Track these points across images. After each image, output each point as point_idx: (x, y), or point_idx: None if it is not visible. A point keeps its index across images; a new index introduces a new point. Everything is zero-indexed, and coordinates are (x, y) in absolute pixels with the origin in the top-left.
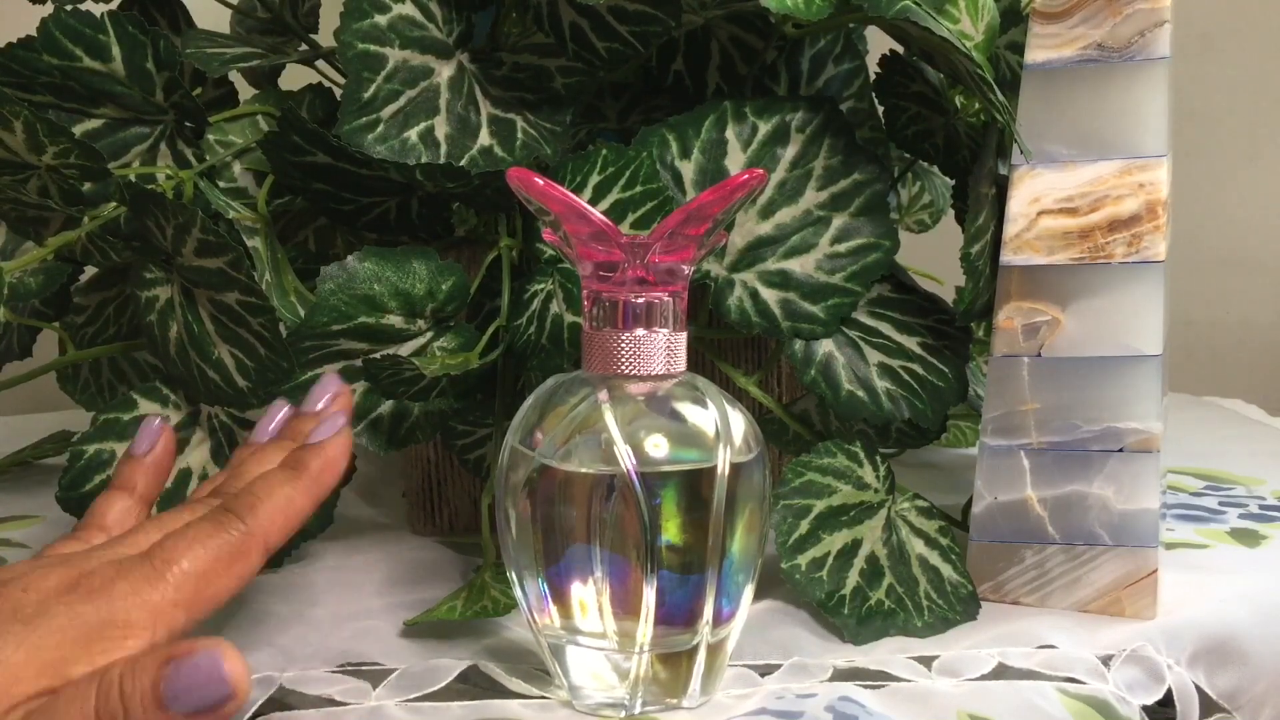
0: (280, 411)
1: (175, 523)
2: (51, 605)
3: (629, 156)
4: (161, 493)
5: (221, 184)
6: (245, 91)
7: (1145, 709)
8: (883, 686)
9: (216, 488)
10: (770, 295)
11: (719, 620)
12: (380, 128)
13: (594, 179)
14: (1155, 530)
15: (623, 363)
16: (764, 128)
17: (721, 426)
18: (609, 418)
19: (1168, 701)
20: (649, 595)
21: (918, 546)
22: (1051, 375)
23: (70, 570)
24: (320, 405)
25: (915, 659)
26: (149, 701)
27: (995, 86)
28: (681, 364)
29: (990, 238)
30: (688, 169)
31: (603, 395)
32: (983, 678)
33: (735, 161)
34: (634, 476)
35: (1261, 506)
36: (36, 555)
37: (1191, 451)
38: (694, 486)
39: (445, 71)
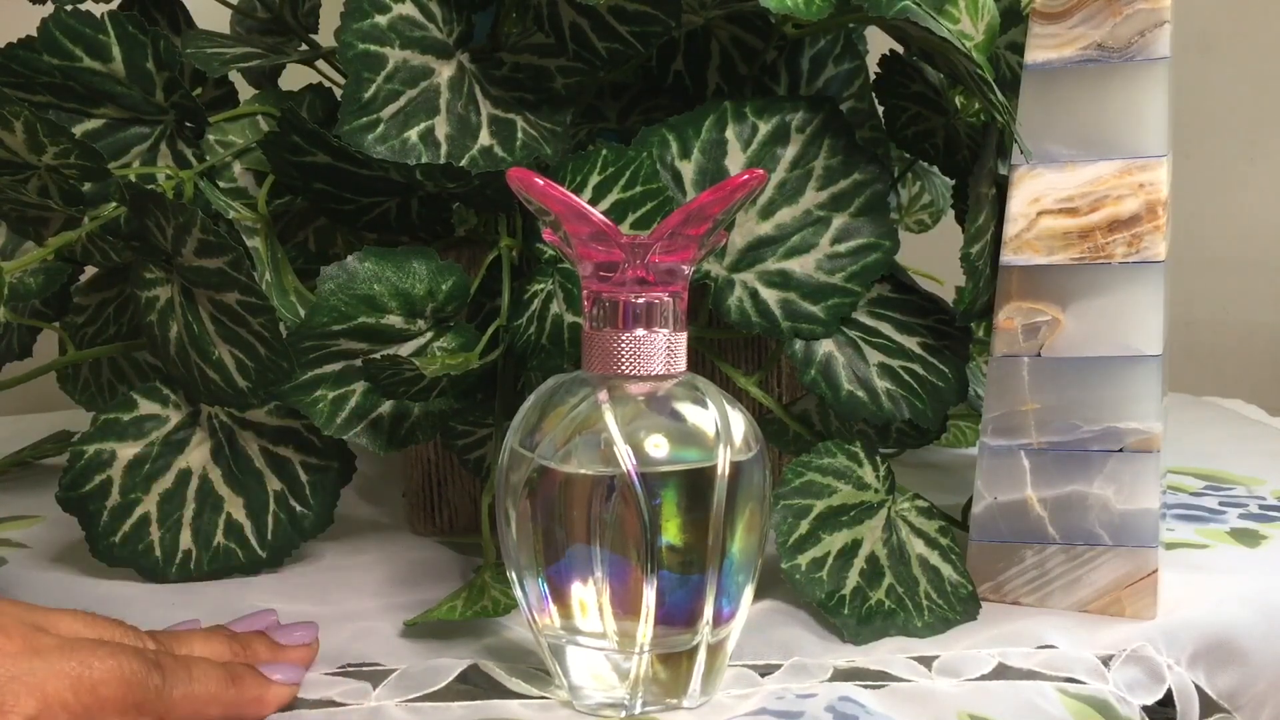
0: (263, 618)
1: (113, 633)
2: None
3: (629, 156)
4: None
5: (221, 184)
6: (245, 91)
7: (1145, 709)
8: (883, 686)
9: (157, 635)
10: (770, 295)
11: (719, 620)
12: (380, 128)
13: (594, 179)
14: (1155, 530)
15: (623, 363)
16: (764, 128)
17: (721, 426)
18: (609, 418)
19: (1168, 701)
20: (649, 595)
21: (918, 546)
22: (1051, 375)
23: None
24: (289, 640)
25: (915, 659)
26: None
27: (995, 86)
28: (681, 364)
29: (990, 238)
30: (688, 169)
31: (603, 395)
32: (983, 678)
33: (735, 161)
34: (634, 477)
35: (1261, 506)
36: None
37: (1191, 451)
38: (694, 486)
39: (445, 71)
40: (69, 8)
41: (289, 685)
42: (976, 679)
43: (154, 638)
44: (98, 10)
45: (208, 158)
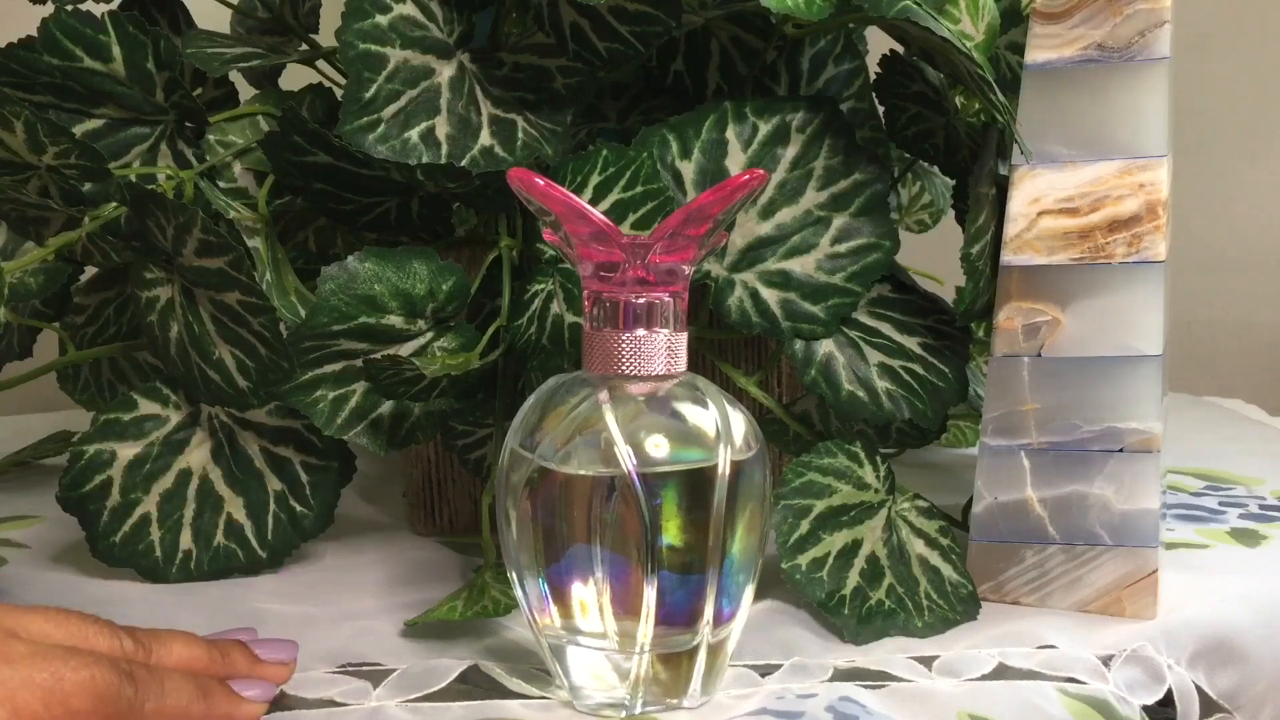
0: (244, 632)
1: (87, 633)
2: None
3: (629, 157)
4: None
5: (221, 184)
6: (245, 91)
7: (1145, 709)
8: (883, 686)
9: (136, 633)
10: (770, 295)
11: (719, 620)
12: (381, 128)
13: (594, 179)
14: (1155, 530)
15: (623, 363)
16: (764, 128)
17: (722, 426)
18: (609, 418)
19: (1168, 701)
20: (649, 595)
21: (918, 546)
22: (1051, 375)
23: None
24: (268, 656)
25: (915, 659)
26: None
27: (995, 86)
28: (682, 364)
29: (990, 238)
30: (688, 169)
31: (603, 395)
32: (983, 678)
33: (735, 162)
34: (634, 477)
35: (1261, 506)
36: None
37: (1191, 451)
38: (694, 486)
39: (446, 71)
40: (69, 8)
41: (260, 704)
42: (976, 679)
43: (132, 635)
44: (98, 10)
45: (208, 158)
